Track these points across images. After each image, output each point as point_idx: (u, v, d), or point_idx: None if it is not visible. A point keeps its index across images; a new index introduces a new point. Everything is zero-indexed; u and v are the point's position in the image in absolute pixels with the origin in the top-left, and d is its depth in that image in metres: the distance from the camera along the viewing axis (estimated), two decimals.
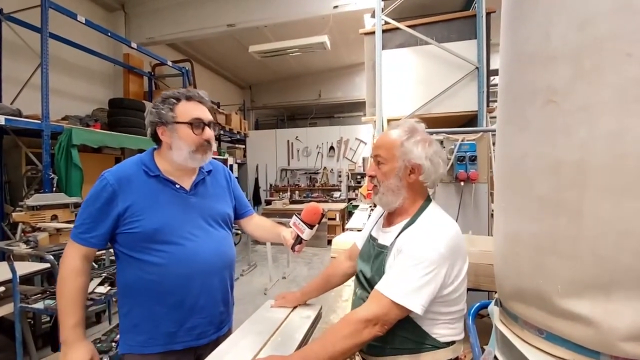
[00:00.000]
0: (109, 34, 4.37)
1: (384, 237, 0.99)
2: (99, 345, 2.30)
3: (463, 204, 2.62)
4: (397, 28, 3.07)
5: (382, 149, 0.98)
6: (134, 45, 4.79)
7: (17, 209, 2.95)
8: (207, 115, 1.11)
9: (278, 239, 1.24)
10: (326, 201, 7.89)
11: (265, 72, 8.87)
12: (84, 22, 3.81)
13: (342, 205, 7.26)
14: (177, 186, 1.11)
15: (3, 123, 2.95)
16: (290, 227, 1.11)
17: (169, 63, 5.49)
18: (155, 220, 1.04)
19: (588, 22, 0.65)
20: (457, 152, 2.60)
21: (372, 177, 1.00)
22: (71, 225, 2.90)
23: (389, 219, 1.03)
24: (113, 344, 2.35)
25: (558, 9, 0.70)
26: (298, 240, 1.09)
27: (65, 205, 3.13)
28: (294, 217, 1.05)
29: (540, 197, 0.73)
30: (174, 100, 1.08)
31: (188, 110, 1.07)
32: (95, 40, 4.72)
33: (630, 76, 0.61)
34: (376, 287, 0.85)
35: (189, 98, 1.09)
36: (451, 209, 2.65)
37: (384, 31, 3.14)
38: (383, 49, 3.14)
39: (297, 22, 5.18)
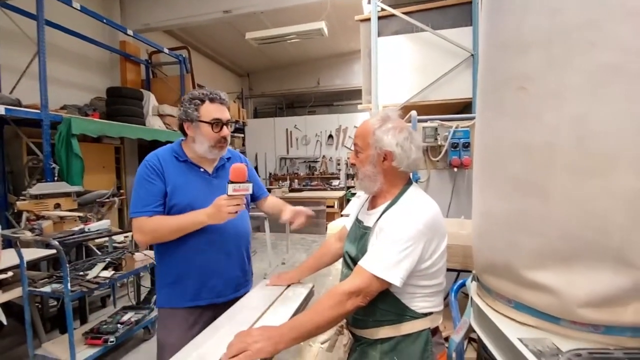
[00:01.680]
0: (105, 21, 4.33)
1: (368, 219, 1.05)
2: (105, 326, 2.41)
3: (456, 189, 2.68)
4: (393, 15, 3.06)
5: (359, 138, 1.03)
6: (130, 32, 4.75)
7: (21, 198, 3.01)
8: (225, 115, 1.31)
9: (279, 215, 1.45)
10: (325, 189, 7.96)
11: (263, 60, 8.80)
12: (79, 8, 3.79)
13: (341, 193, 7.34)
14: (202, 170, 1.33)
15: (3, 113, 2.98)
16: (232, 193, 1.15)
17: (166, 50, 5.45)
18: (188, 196, 1.26)
19: (558, 11, 0.69)
20: (451, 138, 2.64)
21: (352, 164, 1.06)
22: (74, 214, 2.99)
23: (373, 202, 1.09)
24: (119, 325, 2.45)
25: None
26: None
27: (67, 194, 3.19)
28: (228, 184, 1.12)
29: (513, 177, 0.78)
30: (199, 102, 1.26)
31: (210, 111, 1.26)
32: (91, 28, 4.68)
33: (595, 63, 0.65)
34: (359, 262, 0.92)
35: (212, 100, 1.28)
36: (445, 194, 2.71)
37: (379, 18, 3.13)
38: (379, 36, 3.14)
39: (294, 8, 5.13)
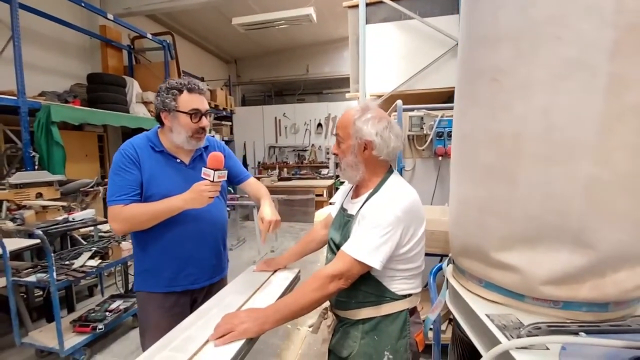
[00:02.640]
0: (83, 4, 4.16)
1: (352, 207, 1.09)
2: (93, 314, 2.42)
3: (441, 178, 2.74)
4: (381, 2, 3.04)
5: (340, 129, 1.06)
6: (110, 16, 4.57)
7: (0, 187, 2.93)
8: (204, 106, 1.29)
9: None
10: (314, 178, 7.98)
11: (251, 46, 8.61)
12: None
13: (330, 182, 7.38)
14: (178, 161, 1.32)
15: None
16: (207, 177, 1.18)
17: (149, 36, 5.28)
18: (164, 187, 1.25)
19: (530, 5, 0.72)
20: (437, 127, 2.69)
21: (335, 154, 1.09)
22: (58, 203, 2.94)
23: (356, 191, 1.12)
24: (107, 313, 2.46)
25: None
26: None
27: (49, 183, 3.12)
28: (203, 169, 1.15)
29: (484, 165, 0.83)
30: (177, 92, 1.24)
31: (188, 101, 1.24)
32: (69, 12, 4.48)
33: (560, 57, 0.69)
34: (342, 247, 0.96)
35: (190, 90, 1.25)
36: (429, 182, 2.78)
37: (367, 5, 3.11)
38: (367, 23, 3.13)
39: None
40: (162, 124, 1.30)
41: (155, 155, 1.28)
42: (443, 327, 2.13)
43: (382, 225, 0.91)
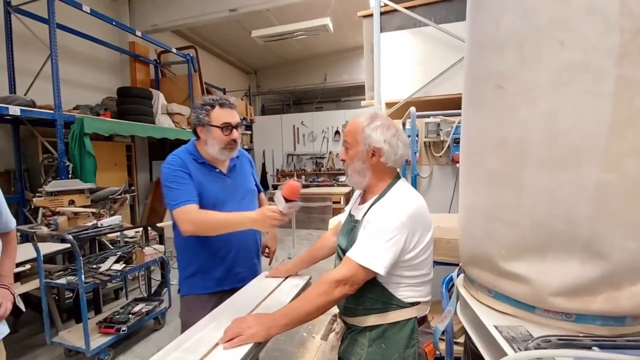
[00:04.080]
0: (114, 23, 4.45)
1: (358, 213, 1.10)
2: (117, 316, 2.52)
3: (459, 185, 2.68)
4: (396, 10, 3.06)
5: (349, 135, 1.07)
6: (138, 33, 4.86)
7: (37, 194, 3.15)
8: (235, 119, 1.39)
9: None
10: (332, 185, 7.99)
11: (270, 57, 8.84)
12: (89, 12, 3.90)
13: (347, 189, 7.35)
14: (218, 170, 1.43)
15: (19, 114, 3.12)
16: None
17: (174, 50, 5.55)
18: (210, 195, 1.35)
19: (530, 11, 0.71)
20: (454, 134, 2.64)
21: (343, 160, 1.10)
22: (88, 210, 3.12)
23: (363, 197, 1.13)
24: (130, 316, 2.56)
25: None
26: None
27: (81, 191, 3.32)
28: (277, 193, 1.13)
29: (490, 171, 0.81)
30: (209, 107, 1.35)
31: (220, 115, 1.35)
32: (101, 30, 4.81)
33: (563, 62, 0.67)
34: (347, 253, 0.96)
35: (221, 105, 1.36)
36: (447, 190, 2.72)
37: (382, 13, 3.13)
38: (382, 31, 3.14)
39: (299, 4, 5.14)
40: (198, 137, 1.40)
41: (199, 166, 1.38)
42: (461, 339, 2.06)
43: (387, 231, 0.92)
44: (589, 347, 0.65)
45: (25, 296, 2.35)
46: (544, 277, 0.73)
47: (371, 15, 3.19)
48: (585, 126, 0.65)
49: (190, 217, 1.23)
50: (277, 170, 8.97)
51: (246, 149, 8.22)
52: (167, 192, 1.28)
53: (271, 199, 1.26)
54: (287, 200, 1.08)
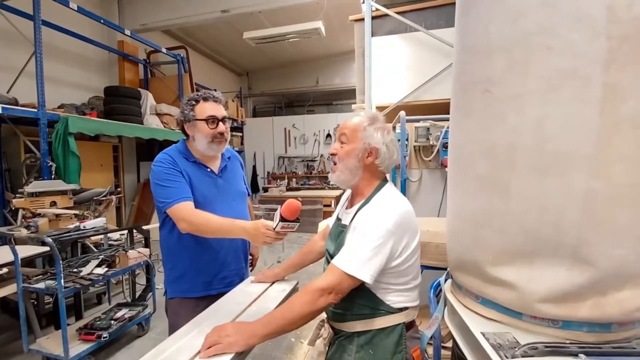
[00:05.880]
0: (102, 21, 4.36)
1: (346, 217, 1.08)
2: (98, 322, 2.44)
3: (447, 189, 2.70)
4: (387, 15, 3.08)
5: (347, 130, 1.05)
6: (127, 32, 4.78)
7: (17, 195, 3.04)
8: (220, 112, 1.36)
9: None
10: (323, 188, 7.98)
11: (262, 59, 8.81)
12: (76, 9, 3.81)
13: (338, 192, 7.35)
14: (209, 170, 1.40)
15: (0, 112, 3.01)
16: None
17: (164, 50, 5.48)
18: (201, 194, 1.32)
19: (520, 16, 0.71)
20: (443, 138, 2.66)
21: (333, 154, 1.08)
22: (70, 212, 3.03)
23: (351, 200, 1.12)
24: (112, 321, 2.49)
25: (497, 2, 0.75)
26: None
27: (63, 192, 3.22)
28: (277, 211, 1.07)
29: (479, 177, 0.81)
30: (194, 102, 1.34)
31: (204, 109, 1.34)
32: (88, 28, 4.71)
33: (551, 68, 0.67)
34: (332, 260, 0.94)
35: (205, 99, 1.35)
36: (436, 194, 2.73)
37: (374, 18, 3.15)
38: (373, 35, 3.16)
39: (291, 7, 5.15)
40: (186, 135, 1.39)
41: (189, 164, 1.36)
42: (449, 344, 2.05)
43: (373, 238, 0.90)
44: (575, 354, 0.65)
45: (2, 301, 2.25)
46: (531, 283, 0.73)
47: (363, 19, 3.20)
48: (573, 133, 0.65)
49: (188, 216, 1.21)
50: (268, 172, 8.93)
51: (237, 151, 8.17)
52: (160, 190, 1.26)
53: (270, 213, 1.21)
54: (284, 220, 1.03)
